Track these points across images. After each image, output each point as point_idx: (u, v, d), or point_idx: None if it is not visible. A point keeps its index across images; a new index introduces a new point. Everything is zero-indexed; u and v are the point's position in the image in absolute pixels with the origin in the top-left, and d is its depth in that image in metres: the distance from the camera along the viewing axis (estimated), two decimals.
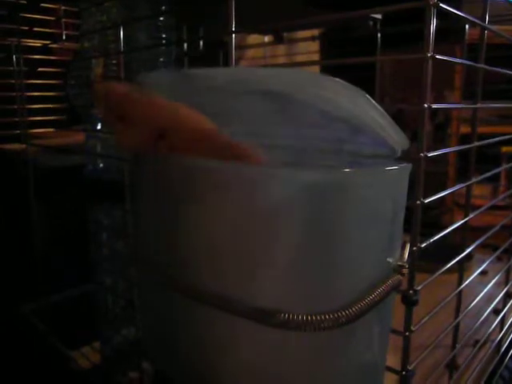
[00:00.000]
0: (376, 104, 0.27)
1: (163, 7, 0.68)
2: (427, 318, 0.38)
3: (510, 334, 0.69)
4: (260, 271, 0.26)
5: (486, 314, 0.60)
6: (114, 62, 0.64)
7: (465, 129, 1.52)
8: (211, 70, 0.28)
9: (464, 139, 1.53)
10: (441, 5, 0.29)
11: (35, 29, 1.05)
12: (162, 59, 0.68)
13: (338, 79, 0.26)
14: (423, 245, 0.34)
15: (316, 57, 1.29)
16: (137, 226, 0.32)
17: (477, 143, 0.42)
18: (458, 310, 0.49)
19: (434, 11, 0.29)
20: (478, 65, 0.39)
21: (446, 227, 0.41)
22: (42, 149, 0.94)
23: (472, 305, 0.52)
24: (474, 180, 0.43)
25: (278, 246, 0.25)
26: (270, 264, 0.25)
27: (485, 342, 0.62)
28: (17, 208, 0.96)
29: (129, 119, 0.32)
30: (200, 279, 0.27)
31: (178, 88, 0.31)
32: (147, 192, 0.30)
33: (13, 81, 1.08)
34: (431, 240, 0.35)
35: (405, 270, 0.29)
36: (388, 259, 0.29)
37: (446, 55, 0.32)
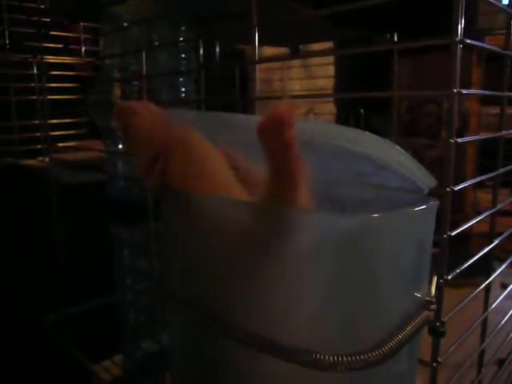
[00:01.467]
0: (404, 151, 0.27)
1: (183, 27, 0.69)
2: (453, 347, 0.38)
3: None
4: (291, 311, 0.26)
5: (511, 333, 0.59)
6: (135, 83, 0.66)
7: (484, 134, 1.50)
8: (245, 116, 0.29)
9: (483, 144, 1.51)
10: (466, 40, 0.29)
11: (57, 45, 1.07)
12: (181, 79, 0.69)
13: (367, 133, 0.27)
14: (450, 276, 0.34)
15: (331, 68, 1.29)
16: (169, 260, 0.33)
17: (502, 170, 0.42)
18: (483, 334, 0.49)
19: (459, 48, 0.29)
20: (503, 93, 0.39)
21: (465, 235, 0.40)
22: (63, 163, 0.96)
23: (498, 327, 0.51)
24: (498, 206, 0.43)
25: (309, 287, 0.25)
26: (301, 305, 0.26)
27: (510, 360, 0.61)
28: (39, 222, 0.98)
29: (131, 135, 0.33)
30: (231, 317, 0.28)
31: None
32: (175, 227, 0.31)
33: (34, 97, 1.10)
34: (458, 271, 0.35)
35: (433, 306, 0.29)
36: (416, 294, 0.30)
37: (463, 62, 0.32)
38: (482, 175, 0.44)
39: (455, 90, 0.29)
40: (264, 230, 0.25)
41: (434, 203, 0.29)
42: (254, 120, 0.24)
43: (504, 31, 0.40)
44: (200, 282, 0.30)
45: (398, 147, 0.27)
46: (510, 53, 0.39)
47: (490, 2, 0.33)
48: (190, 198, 0.29)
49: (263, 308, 0.27)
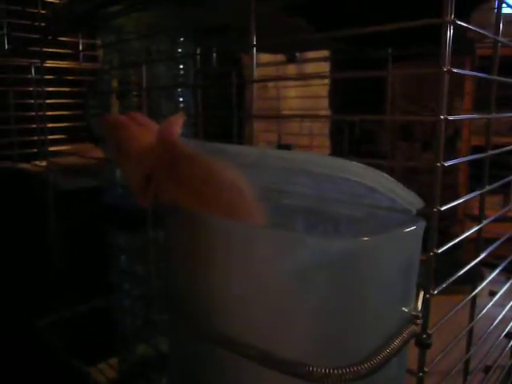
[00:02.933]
0: (392, 179, 0.29)
1: (181, 39, 0.70)
2: (438, 358, 0.39)
3: None
4: (286, 326, 0.28)
5: (498, 340, 0.61)
6: (135, 93, 0.67)
7: (475, 141, 1.53)
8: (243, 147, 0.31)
9: (475, 151, 1.54)
10: (453, 70, 0.30)
11: (57, 50, 1.08)
12: (179, 89, 0.70)
13: (358, 164, 0.28)
14: (436, 291, 0.35)
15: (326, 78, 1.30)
16: (170, 274, 0.34)
17: (488, 187, 0.44)
18: (469, 342, 0.51)
19: (446, 77, 0.30)
20: (491, 77, 0.40)
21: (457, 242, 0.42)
22: (60, 168, 0.96)
23: (485, 334, 0.53)
24: (486, 188, 0.44)
25: (304, 304, 0.27)
26: (295, 320, 0.27)
27: (496, 367, 0.63)
28: (35, 226, 0.99)
29: (124, 151, 0.35)
30: (228, 329, 0.29)
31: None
32: (178, 243, 0.32)
33: (32, 101, 1.11)
34: (444, 285, 0.37)
35: (419, 321, 0.30)
36: (403, 308, 0.31)
37: (456, 68, 0.33)
38: (473, 183, 0.45)
39: (442, 117, 0.31)
40: (261, 250, 0.27)
41: (422, 223, 0.30)
42: (254, 152, 0.26)
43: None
44: (198, 295, 0.31)
45: (387, 176, 0.28)
46: (496, 78, 0.41)
47: (478, 31, 0.35)
48: (191, 215, 0.31)
49: (261, 322, 0.28)
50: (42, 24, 0.87)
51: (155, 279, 0.61)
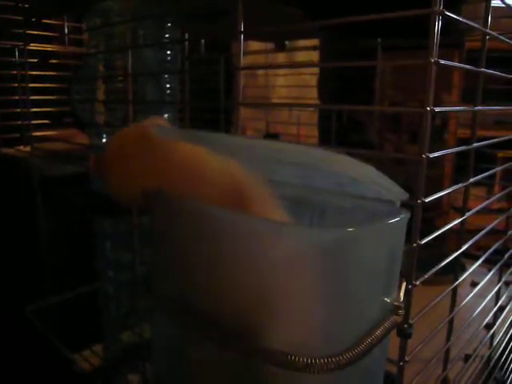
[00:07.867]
0: (378, 171, 0.29)
1: (168, 24, 0.69)
2: (419, 347, 0.40)
3: (499, 348, 0.71)
4: (271, 315, 0.28)
5: (478, 330, 0.62)
6: (120, 78, 0.66)
7: (462, 134, 1.54)
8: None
9: (461, 143, 1.55)
10: (441, 62, 0.30)
11: (41, 33, 1.06)
12: (166, 75, 0.69)
13: (343, 155, 0.28)
14: (418, 282, 0.36)
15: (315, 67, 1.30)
16: (154, 261, 0.34)
17: (472, 179, 0.44)
18: (450, 332, 0.51)
19: (433, 69, 0.30)
20: (478, 69, 0.40)
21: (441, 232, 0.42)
22: (45, 153, 0.95)
23: (466, 324, 0.54)
24: (470, 180, 0.44)
25: (287, 293, 0.27)
26: (279, 309, 0.27)
27: (475, 357, 0.64)
28: (20, 212, 0.98)
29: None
30: (214, 317, 0.29)
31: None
32: (165, 231, 0.32)
33: (15, 84, 1.09)
34: (426, 276, 0.38)
35: (401, 312, 0.31)
36: (386, 299, 0.31)
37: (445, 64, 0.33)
38: (459, 175, 0.46)
39: (428, 108, 0.31)
40: (246, 239, 0.27)
41: (406, 214, 0.30)
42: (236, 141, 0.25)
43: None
44: (185, 282, 0.31)
45: (373, 168, 0.28)
46: (483, 70, 0.41)
47: (467, 23, 0.35)
48: (176, 202, 0.31)
49: (245, 311, 0.28)
50: (26, 5, 0.85)
51: (140, 266, 0.61)
